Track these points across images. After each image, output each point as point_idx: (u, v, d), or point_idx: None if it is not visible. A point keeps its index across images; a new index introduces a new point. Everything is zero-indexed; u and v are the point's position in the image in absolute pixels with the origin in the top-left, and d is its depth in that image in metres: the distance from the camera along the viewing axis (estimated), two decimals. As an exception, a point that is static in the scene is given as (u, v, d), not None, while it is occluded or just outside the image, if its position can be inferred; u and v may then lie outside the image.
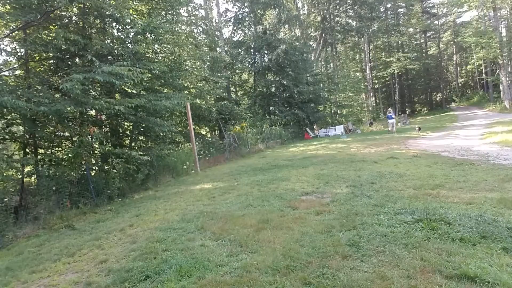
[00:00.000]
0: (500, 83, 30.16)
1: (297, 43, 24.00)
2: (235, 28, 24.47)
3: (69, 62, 9.05)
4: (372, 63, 41.50)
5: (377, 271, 2.77)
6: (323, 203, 5.08)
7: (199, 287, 2.90)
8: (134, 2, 10.76)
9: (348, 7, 31.87)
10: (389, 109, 23.57)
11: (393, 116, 19.38)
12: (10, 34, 8.09)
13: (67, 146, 9.39)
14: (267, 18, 25.97)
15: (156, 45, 10.45)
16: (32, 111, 6.63)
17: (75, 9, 9.07)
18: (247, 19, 23.86)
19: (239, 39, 24.54)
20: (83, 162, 8.61)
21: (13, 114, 7.72)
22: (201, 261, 3.37)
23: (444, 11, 45.25)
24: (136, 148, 10.83)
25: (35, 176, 8.28)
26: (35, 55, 8.77)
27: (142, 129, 10.74)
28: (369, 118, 34.26)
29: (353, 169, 7.72)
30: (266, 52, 23.45)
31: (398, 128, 24.20)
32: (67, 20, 9.07)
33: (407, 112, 39.82)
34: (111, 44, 9.17)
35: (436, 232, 3.44)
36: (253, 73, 24.51)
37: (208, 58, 17.56)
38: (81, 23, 9.18)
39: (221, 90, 18.50)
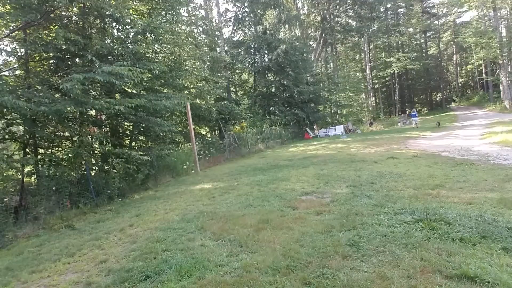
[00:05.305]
0: (500, 83, 30.18)
1: (297, 43, 23.98)
2: (235, 28, 24.48)
3: (69, 62, 9.05)
4: (372, 63, 41.49)
5: (377, 271, 2.77)
6: (323, 203, 5.07)
7: (199, 287, 2.90)
8: (134, 2, 10.76)
9: (348, 7, 31.88)
10: (413, 108, 28.91)
11: (417, 115, 23.80)
12: (10, 34, 8.08)
13: (67, 146, 9.39)
14: (267, 18, 25.97)
15: (156, 45, 10.45)
16: (32, 111, 6.62)
17: (75, 9, 9.06)
18: (247, 19, 23.86)
19: (239, 39, 24.53)
20: (83, 162, 8.61)
21: (13, 114, 7.71)
22: (201, 261, 3.37)
23: (444, 11, 45.26)
24: (136, 148, 10.83)
25: (35, 176, 8.29)
26: (35, 55, 8.76)
27: (142, 129, 10.74)
28: (369, 118, 34.29)
29: (353, 169, 7.72)
30: (266, 52, 23.45)
31: (398, 128, 24.54)
32: (67, 20, 9.07)
33: (407, 112, 39.80)
34: (111, 44, 9.17)
35: (436, 232, 3.43)
36: (253, 73, 24.51)
37: (208, 58, 17.57)
38: (81, 23, 9.18)
39: (221, 90, 18.50)
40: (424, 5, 44.10)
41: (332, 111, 29.49)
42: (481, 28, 30.71)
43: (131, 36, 9.87)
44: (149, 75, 9.92)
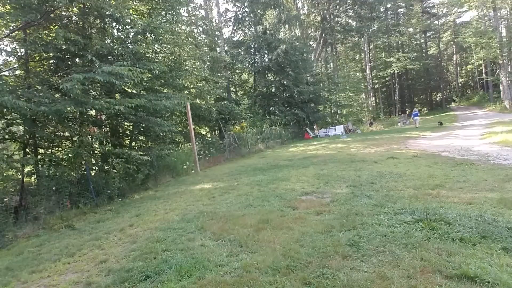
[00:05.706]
0: (500, 83, 30.19)
1: (297, 43, 23.99)
2: (235, 28, 24.48)
3: (69, 62, 9.05)
4: (372, 63, 41.48)
5: (377, 271, 2.77)
6: (323, 203, 5.07)
7: (199, 287, 2.90)
8: (134, 2, 10.76)
9: (348, 7, 31.88)
10: (415, 108, 30.10)
11: (418, 114, 24.24)
12: (10, 34, 8.08)
13: (67, 146, 9.39)
14: (267, 18, 25.97)
15: (156, 45, 10.46)
16: (32, 111, 6.62)
17: (75, 9, 9.07)
18: (247, 19, 23.86)
19: (239, 39, 24.54)
20: (83, 162, 8.61)
21: (13, 114, 7.71)
22: (201, 261, 3.37)
23: (444, 11, 45.26)
24: (136, 148, 10.83)
25: (35, 176, 8.29)
26: (35, 55, 8.76)
27: (142, 129, 10.74)
28: (369, 118, 34.29)
29: (353, 169, 7.71)
30: (266, 52, 23.44)
31: (398, 128, 24.56)
32: (67, 20, 9.07)
33: (407, 112, 39.80)
34: (111, 44, 9.17)
35: (436, 232, 3.43)
36: (253, 73, 24.51)
37: (208, 58, 17.58)
38: (81, 23, 9.18)
39: (221, 90, 18.51)
40: (424, 5, 44.10)
41: (332, 111, 29.49)
42: (481, 28, 30.72)
43: (131, 36, 9.87)
44: (149, 75, 9.92)
